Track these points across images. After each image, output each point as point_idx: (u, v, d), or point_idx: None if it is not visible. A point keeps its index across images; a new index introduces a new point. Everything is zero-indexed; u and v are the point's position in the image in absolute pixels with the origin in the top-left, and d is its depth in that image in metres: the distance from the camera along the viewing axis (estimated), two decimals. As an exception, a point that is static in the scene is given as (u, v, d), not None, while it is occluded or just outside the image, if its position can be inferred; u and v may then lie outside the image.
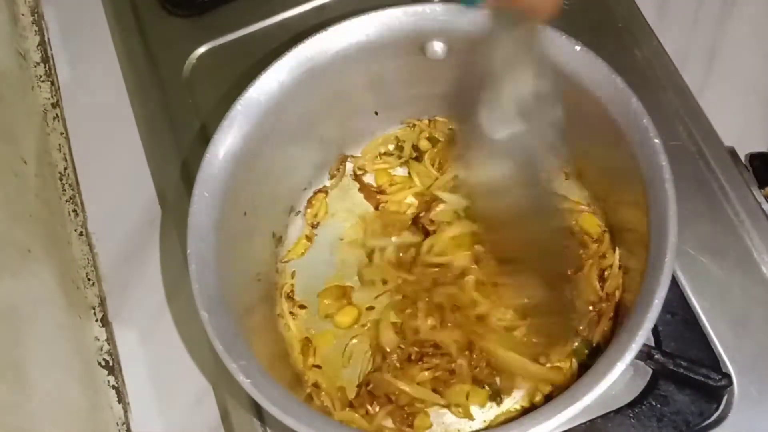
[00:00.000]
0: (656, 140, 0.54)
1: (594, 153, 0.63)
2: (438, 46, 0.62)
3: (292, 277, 0.68)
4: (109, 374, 0.70)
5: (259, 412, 0.63)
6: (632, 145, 0.55)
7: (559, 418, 0.48)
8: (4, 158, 0.69)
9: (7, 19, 0.81)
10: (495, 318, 0.62)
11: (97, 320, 0.72)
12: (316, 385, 0.63)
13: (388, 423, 0.61)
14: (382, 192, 0.70)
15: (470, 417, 0.61)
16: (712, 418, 0.59)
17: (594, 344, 0.61)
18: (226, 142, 0.58)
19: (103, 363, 0.70)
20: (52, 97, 0.82)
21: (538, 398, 0.61)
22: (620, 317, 0.60)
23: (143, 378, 0.70)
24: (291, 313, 0.66)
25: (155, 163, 0.77)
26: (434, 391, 0.61)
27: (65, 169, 0.79)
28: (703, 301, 0.63)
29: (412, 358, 0.62)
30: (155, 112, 0.76)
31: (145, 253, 0.74)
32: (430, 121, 0.71)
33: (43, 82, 0.83)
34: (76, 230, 0.76)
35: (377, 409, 0.61)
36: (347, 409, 0.61)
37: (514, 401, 0.62)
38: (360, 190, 0.71)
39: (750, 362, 0.60)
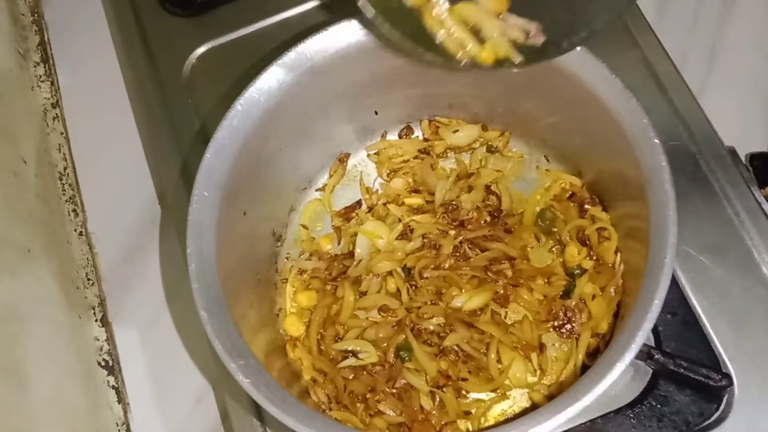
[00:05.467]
0: (656, 140, 0.54)
1: (594, 153, 0.63)
2: (438, 46, 0.61)
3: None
4: (108, 374, 0.70)
5: (258, 411, 0.63)
6: (632, 145, 0.55)
7: (559, 418, 0.48)
8: (4, 158, 0.69)
9: (7, 19, 0.81)
10: None
11: (96, 320, 0.72)
12: (313, 380, 0.63)
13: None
14: None
15: None
16: (713, 418, 0.59)
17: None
18: (225, 142, 0.58)
19: (103, 363, 0.70)
20: (52, 97, 0.82)
21: (538, 398, 0.61)
22: (620, 317, 0.60)
23: (143, 378, 0.70)
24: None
25: (155, 163, 0.77)
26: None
27: (65, 169, 0.79)
28: (703, 301, 0.63)
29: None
30: (155, 112, 0.76)
31: (144, 253, 0.74)
32: (430, 121, 0.71)
33: (43, 82, 0.83)
34: (75, 230, 0.76)
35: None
36: (343, 409, 0.61)
37: (514, 401, 0.62)
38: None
39: (750, 362, 0.60)
